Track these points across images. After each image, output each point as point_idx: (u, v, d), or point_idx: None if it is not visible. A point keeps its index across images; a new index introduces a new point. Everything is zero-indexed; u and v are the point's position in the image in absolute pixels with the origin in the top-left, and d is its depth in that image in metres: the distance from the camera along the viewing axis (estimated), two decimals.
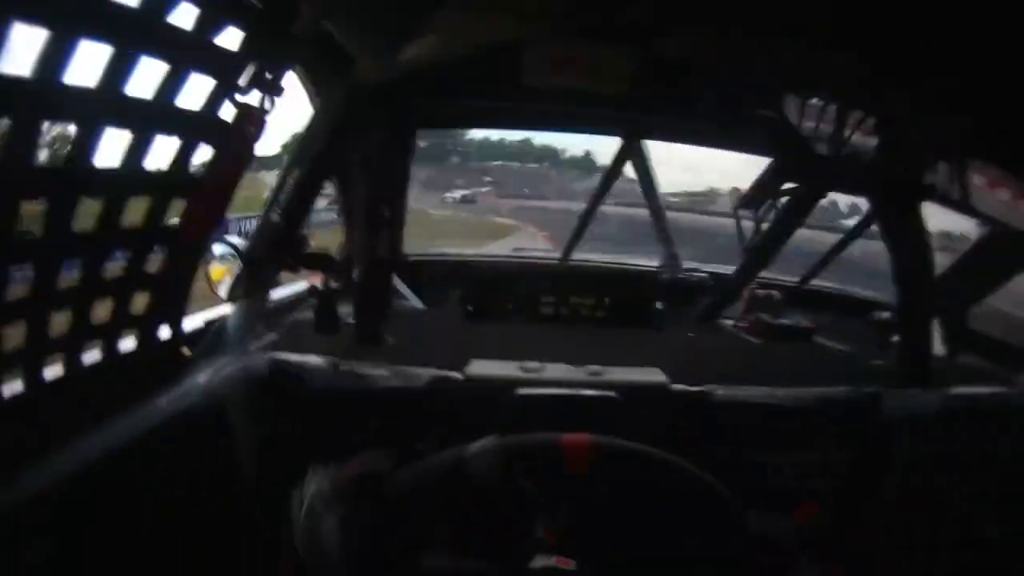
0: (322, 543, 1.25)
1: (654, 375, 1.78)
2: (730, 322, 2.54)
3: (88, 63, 1.00)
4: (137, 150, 1.17)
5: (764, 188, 2.35)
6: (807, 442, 1.87)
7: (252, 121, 1.39)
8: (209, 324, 1.79)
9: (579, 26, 1.61)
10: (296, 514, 1.27)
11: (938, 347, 2.40)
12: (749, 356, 2.26)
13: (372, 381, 1.71)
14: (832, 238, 2.84)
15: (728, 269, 2.76)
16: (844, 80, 1.79)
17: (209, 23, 1.18)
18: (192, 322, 1.71)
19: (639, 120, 2.52)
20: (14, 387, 1.16)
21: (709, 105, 1.91)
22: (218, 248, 1.65)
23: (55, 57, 0.91)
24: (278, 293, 2.17)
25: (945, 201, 2.09)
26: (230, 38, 1.26)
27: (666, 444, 1.45)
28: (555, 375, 1.74)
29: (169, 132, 1.24)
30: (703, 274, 2.87)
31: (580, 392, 1.68)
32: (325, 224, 2.21)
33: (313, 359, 1.75)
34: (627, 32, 1.64)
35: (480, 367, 1.75)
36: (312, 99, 1.77)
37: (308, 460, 1.65)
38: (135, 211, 1.26)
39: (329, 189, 2.03)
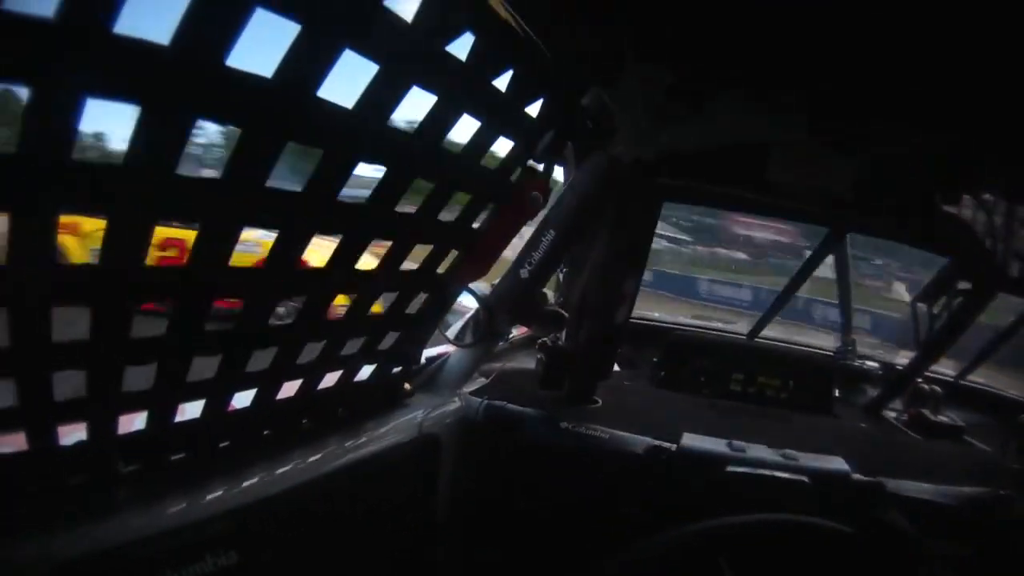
0: None
1: (837, 463, 1.80)
2: (893, 414, 2.61)
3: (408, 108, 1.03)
4: (435, 199, 1.23)
5: (942, 284, 2.40)
6: (947, 537, 1.86)
7: (538, 186, 1.46)
8: (429, 361, 1.88)
9: (822, 133, 1.67)
10: None
11: None
12: (907, 450, 2.26)
13: (588, 441, 1.78)
14: None
15: (896, 360, 2.90)
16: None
17: (521, 89, 1.22)
18: None
19: (849, 217, 2.55)
20: (245, 400, 1.23)
21: (912, 207, 1.91)
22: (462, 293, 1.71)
23: (381, 95, 0.94)
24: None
25: None
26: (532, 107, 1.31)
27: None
28: (757, 455, 1.77)
29: (468, 188, 1.31)
30: (875, 364, 2.97)
31: (780, 475, 1.72)
32: None
33: (531, 411, 1.84)
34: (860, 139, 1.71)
35: (692, 440, 1.78)
36: (574, 166, 1.83)
37: (516, 507, 1.83)
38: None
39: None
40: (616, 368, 2.51)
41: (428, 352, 1.91)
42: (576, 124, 1.51)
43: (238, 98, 0.77)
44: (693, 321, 3.76)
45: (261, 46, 1.03)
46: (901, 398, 2.59)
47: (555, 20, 1.18)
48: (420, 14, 0.90)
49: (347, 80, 0.99)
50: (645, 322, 3.15)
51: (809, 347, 3.32)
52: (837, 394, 2.53)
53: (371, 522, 1.50)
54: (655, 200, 2.00)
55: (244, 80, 0.76)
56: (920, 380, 2.55)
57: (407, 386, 1.73)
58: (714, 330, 3.42)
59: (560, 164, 1.74)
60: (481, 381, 1.99)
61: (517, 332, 2.41)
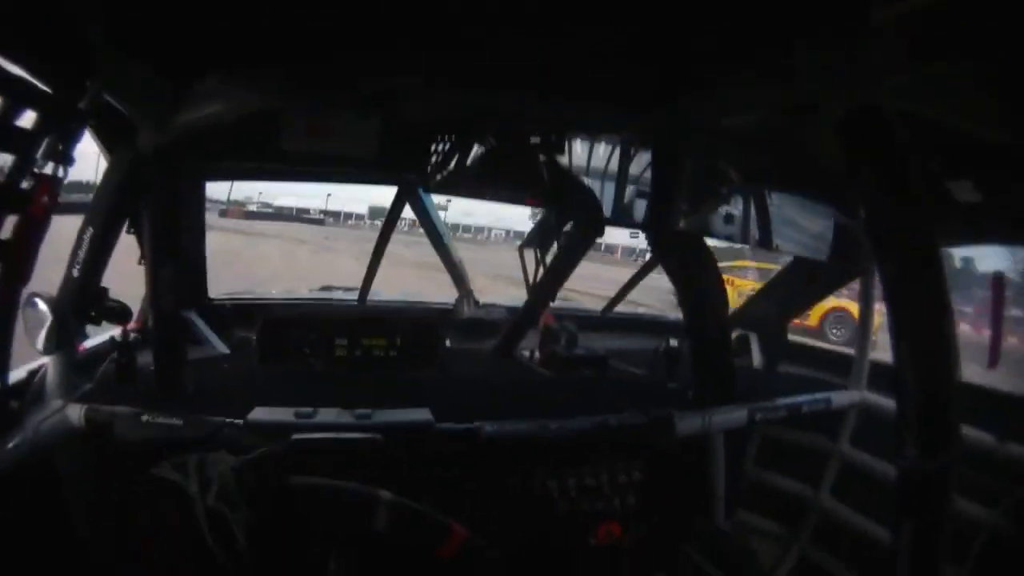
0: (233, 535, 1.36)
1: (420, 415, 1.90)
2: (527, 354, 2.72)
3: None
4: None
5: (546, 229, 2.60)
6: (594, 468, 2.03)
7: (46, 190, 1.54)
8: (32, 374, 1.89)
9: (329, 97, 1.80)
10: (199, 499, 1.35)
11: (759, 362, 2.77)
12: (538, 388, 2.44)
13: (167, 430, 1.79)
14: None
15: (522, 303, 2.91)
16: (608, 126, 1.98)
17: (7, 107, 1.38)
18: (16, 374, 1.80)
19: (404, 174, 2.72)
20: None
21: (486, 156, 1.98)
22: (37, 303, 1.76)
23: None
24: (93, 342, 2.24)
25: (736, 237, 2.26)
26: (26, 118, 1.45)
27: (431, 479, 1.68)
28: (325, 419, 1.85)
29: None
30: (501, 309, 3.09)
31: (345, 435, 1.81)
32: None
33: (120, 409, 1.82)
34: (372, 99, 1.82)
35: (260, 414, 1.83)
36: (106, 160, 1.93)
37: (123, 509, 1.71)
38: None
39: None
40: (227, 351, 2.60)
41: (30, 365, 1.93)
42: (76, 126, 1.58)
43: None
44: (310, 294, 3.74)
45: None
46: (536, 340, 2.73)
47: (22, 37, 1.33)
48: None
49: None
50: (256, 301, 3.15)
51: (426, 303, 3.45)
52: (449, 345, 2.56)
53: (7, 549, 1.54)
54: (193, 182, 2.13)
55: None
56: (551, 319, 2.71)
57: (14, 404, 1.76)
58: (324, 300, 3.49)
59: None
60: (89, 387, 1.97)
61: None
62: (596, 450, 2.04)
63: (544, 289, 2.66)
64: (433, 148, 1.93)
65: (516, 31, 1.39)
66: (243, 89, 1.65)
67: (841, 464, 2.41)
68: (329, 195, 42.89)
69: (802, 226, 2.29)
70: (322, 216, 42.55)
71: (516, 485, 1.96)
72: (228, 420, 1.81)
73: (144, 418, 1.80)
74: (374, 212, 39.58)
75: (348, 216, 44.55)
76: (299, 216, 39.80)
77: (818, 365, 2.83)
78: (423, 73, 1.63)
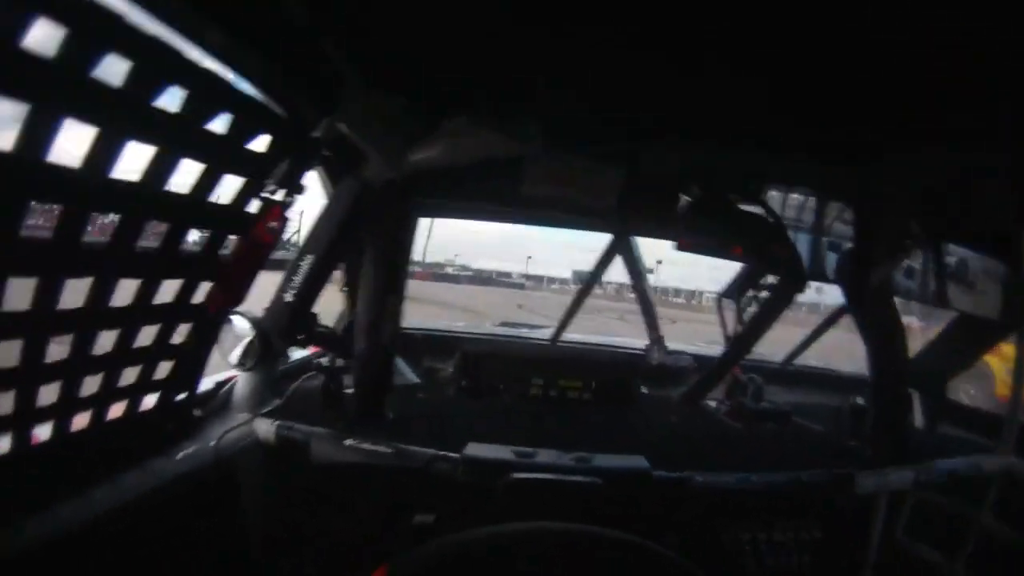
0: None
1: (637, 462, 1.84)
2: (713, 404, 2.61)
3: (134, 159, 1.15)
4: (173, 238, 1.33)
5: (747, 279, 2.52)
6: (783, 522, 1.94)
7: (275, 215, 1.55)
8: (219, 386, 1.93)
9: (577, 148, 1.77)
10: None
11: (919, 421, 2.57)
12: (729, 440, 2.33)
13: (373, 457, 1.77)
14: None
15: (713, 352, 2.86)
16: (814, 181, 1.98)
17: (242, 130, 1.36)
18: (203, 383, 1.83)
19: (627, 222, 2.70)
20: (42, 436, 1.27)
21: (692, 208, 1.98)
22: (235, 320, 1.78)
23: (103, 152, 1.05)
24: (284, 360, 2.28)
25: (914, 292, 2.23)
26: (260, 142, 1.43)
27: (647, 527, 1.51)
28: (546, 460, 1.79)
29: (202, 224, 1.41)
30: (688, 357, 3.00)
31: (568, 478, 1.74)
32: None
33: (318, 430, 1.83)
34: (615, 150, 1.80)
35: (476, 449, 1.79)
36: (327, 192, 1.94)
37: (310, 526, 1.79)
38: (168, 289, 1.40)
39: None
40: (417, 380, 2.58)
41: (218, 377, 1.96)
42: (310, 154, 1.59)
43: None
44: (497, 329, 3.75)
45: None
46: (720, 389, 2.65)
47: (267, 63, 1.33)
48: (129, 77, 1.03)
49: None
50: (447, 333, 3.18)
51: (617, 347, 3.38)
52: (645, 390, 2.56)
53: (178, 553, 1.51)
54: (410, 219, 2.12)
55: None
56: (738, 370, 2.62)
57: (197, 412, 1.79)
58: (516, 337, 3.49)
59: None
60: (279, 403, 2.00)
61: (310, 351, 2.45)
62: (787, 505, 1.97)
63: (741, 342, 2.57)
64: (655, 200, 1.96)
65: (741, 92, 1.43)
66: (493, 132, 1.63)
67: (980, 534, 2.14)
68: (529, 258, 42.42)
69: (973, 283, 2.28)
70: (523, 281, 41.40)
71: (712, 537, 1.89)
72: (441, 453, 1.77)
73: (348, 442, 1.80)
74: (578, 276, 39.98)
75: (552, 280, 42.70)
76: (498, 280, 39.34)
77: (968, 426, 2.60)
78: (665, 133, 1.65)
